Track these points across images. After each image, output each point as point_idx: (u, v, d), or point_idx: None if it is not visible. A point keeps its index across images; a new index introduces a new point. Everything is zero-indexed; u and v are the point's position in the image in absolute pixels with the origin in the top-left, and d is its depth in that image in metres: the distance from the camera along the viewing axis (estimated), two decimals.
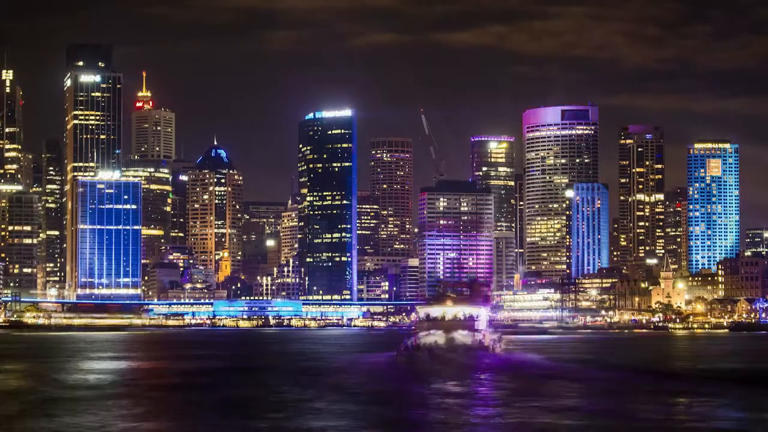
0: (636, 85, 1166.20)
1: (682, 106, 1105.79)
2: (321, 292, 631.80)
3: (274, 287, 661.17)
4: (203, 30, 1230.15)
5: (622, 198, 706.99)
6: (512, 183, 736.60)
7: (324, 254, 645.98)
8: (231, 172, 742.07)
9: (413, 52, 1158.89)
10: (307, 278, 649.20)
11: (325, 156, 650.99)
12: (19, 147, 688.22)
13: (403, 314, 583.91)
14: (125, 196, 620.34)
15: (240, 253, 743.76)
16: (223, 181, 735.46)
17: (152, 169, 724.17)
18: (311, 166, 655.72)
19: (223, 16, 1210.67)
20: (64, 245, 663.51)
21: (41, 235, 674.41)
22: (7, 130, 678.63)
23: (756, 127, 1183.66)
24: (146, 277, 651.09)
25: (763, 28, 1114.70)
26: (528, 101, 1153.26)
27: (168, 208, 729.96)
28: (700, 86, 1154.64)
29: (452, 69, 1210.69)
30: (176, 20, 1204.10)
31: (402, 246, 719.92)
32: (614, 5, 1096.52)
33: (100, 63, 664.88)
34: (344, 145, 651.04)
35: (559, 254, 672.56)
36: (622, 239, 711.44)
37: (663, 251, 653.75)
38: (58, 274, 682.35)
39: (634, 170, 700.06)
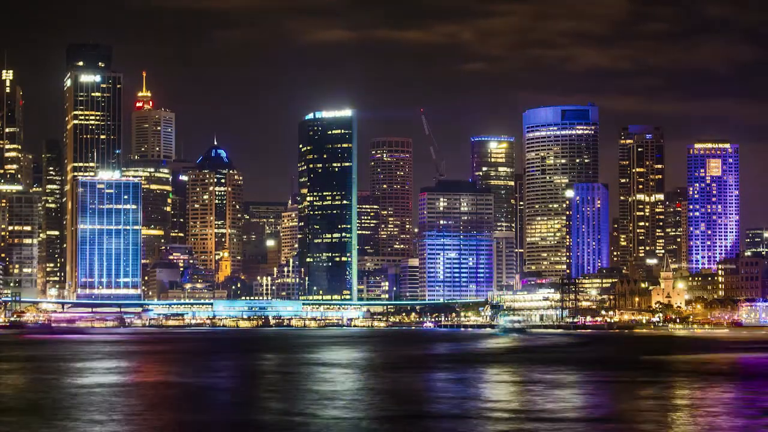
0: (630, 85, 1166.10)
1: (643, 107, 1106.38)
2: (321, 292, 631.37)
3: (274, 287, 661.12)
4: (193, 29, 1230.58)
5: (622, 198, 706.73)
6: (512, 183, 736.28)
7: (324, 254, 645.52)
8: (231, 172, 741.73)
9: (365, 49, 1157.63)
10: (307, 278, 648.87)
11: (325, 156, 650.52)
12: (19, 147, 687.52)
13: (403, 314, 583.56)
14: (125, 196, 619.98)
15: (240, 253, 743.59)
16: (223, 181, 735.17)
17: (152, 169, 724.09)
18: (311, 166, 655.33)
19: (167, 17, 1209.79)
20: (64, 245, 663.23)
21: (41, 235, 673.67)
22: (7, 130, 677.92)
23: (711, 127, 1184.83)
24: (146, 277, 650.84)
25: (715, 27, 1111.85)
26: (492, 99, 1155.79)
27: (168, 208, 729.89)
28: (659, 86, 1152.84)
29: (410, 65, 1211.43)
30: (169, 20, 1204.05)
31: (402, 246, 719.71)
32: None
33: (100, 63, 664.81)
34: (344, 145, 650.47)
35: (559, 254, 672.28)
36: (622, 239, 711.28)
37: (663, 251, 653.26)
38: (58, 274, 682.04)
39: (634, 170, 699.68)
